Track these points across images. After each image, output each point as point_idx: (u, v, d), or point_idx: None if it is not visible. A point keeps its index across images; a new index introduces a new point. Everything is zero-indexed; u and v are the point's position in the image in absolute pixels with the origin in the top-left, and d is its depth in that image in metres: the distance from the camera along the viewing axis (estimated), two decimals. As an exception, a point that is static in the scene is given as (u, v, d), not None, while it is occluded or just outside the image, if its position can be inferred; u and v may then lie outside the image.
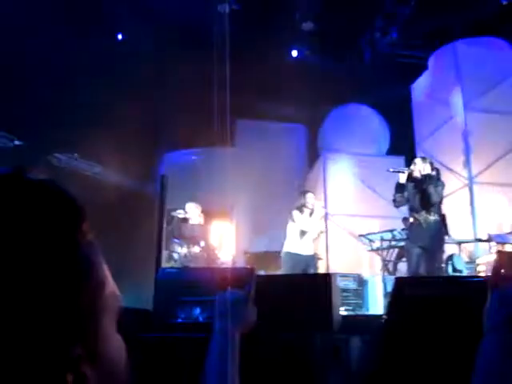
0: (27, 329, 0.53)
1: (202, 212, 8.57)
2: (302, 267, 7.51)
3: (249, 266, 7.17)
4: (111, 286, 0.64)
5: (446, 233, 6.48)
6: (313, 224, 7.61)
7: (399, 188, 6.57)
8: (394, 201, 6.70)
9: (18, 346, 0.52)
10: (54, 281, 0.55)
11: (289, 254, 7.60)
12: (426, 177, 6.39)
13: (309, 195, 7.83)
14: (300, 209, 7.62)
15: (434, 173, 6.47)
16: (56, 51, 10.14)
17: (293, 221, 7.58)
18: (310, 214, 7.62)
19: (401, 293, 3.04)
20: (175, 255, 8.71)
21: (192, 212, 8.23)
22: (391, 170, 6.87)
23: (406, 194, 6.50)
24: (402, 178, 6.56)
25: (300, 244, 7.45)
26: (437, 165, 7.29)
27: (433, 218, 6.20)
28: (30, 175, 0.62)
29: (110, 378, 0.59)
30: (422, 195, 6.32)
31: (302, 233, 7.48)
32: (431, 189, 6.27)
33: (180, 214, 8.30)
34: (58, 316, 0.54)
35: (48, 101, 10.12)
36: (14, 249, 0.54)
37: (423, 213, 6.25)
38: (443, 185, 6.49)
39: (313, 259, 7.97)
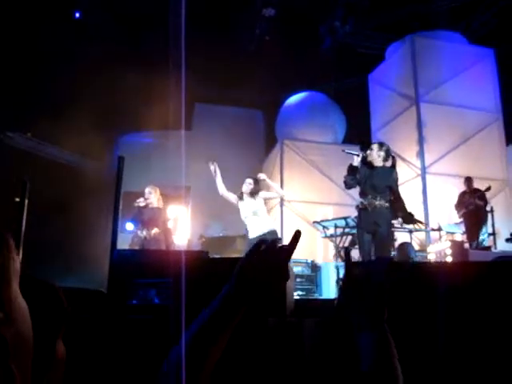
0: None
1: (161, 194, 8.46)
2: None
3: (204, 251, 6.99)
4: (16, 252, 0.64)
5: (395, 217, 6.45)
6: (245, 204, 7.21)
7: (351, 170, 6.52)
8: (345, 183, 6.64)
9: None
10: None
11: (247, 239, 7.41)
12: (378, 163, 6.40)
13: (248, 180, 7.41)
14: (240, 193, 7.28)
15: (388, 162, 6.48)
16: (12, 30, 9.89)
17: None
18: (251, 195, 7.19)
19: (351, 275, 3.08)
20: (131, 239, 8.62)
21: (151, 197, 8.14)
22: (346, 150, 6.84)
23: (358, 176, 6.45)
24: (356, 161, 6.54)
25: (248, 228, 7.19)
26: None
27: (378, 202, 6.16)
28: None
29: (19, 339, 0.61)
30: (371, 180, 6.30)
31: (244, 217, 7.19)
32: (380, 174, 6.28)
33: (140, 202, 8.20)
34: None
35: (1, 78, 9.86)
36: None
37: (369, 197, 6.24)
38: (396, 173, 6.45)
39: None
